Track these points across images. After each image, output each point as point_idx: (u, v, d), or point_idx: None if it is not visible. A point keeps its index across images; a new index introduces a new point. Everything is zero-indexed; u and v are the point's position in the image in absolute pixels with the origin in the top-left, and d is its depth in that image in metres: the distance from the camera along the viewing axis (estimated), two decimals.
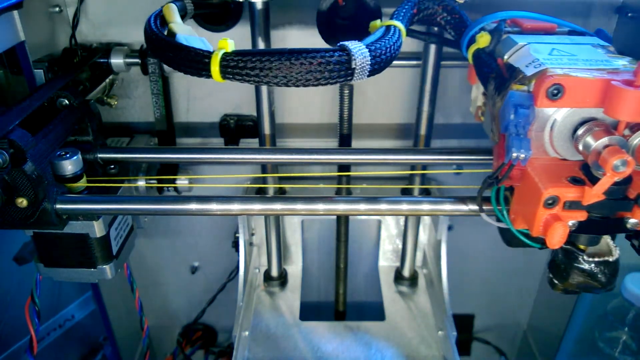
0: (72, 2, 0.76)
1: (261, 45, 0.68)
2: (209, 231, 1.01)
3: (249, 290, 0.90)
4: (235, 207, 0.54)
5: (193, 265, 1.07)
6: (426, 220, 0.94)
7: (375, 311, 0.93)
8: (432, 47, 0.70)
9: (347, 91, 0.76)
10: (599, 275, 0.51)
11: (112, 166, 0.66)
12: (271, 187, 0.84)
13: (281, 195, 0.88)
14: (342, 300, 0.98)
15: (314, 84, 0.43)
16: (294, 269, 0.99)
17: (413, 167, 0.85)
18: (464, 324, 1.15)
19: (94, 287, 0.95)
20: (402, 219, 0.95)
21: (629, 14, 0.76)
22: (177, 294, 1.11)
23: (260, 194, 0.88)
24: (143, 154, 0.66)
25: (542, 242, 0.48)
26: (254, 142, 0.88)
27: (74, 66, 0.72)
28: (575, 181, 0.44)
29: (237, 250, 0.88)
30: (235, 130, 0.86)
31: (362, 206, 0.54)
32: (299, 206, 0.54)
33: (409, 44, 0.82)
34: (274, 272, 0.94)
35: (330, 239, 0.94)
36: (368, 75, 0.44)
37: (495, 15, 0.54)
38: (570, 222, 0.45)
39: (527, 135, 0.44)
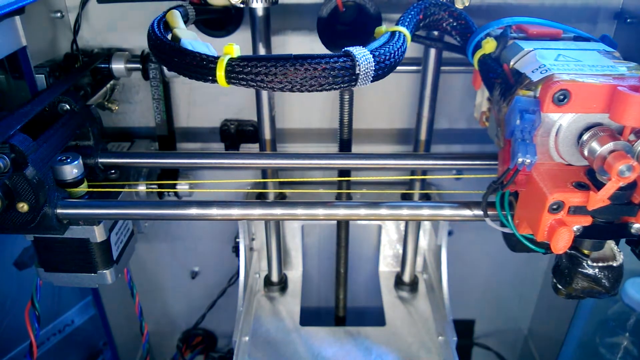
0: (73, 7, 0.77)
1: (262, 50, 0.69)
2: (209, 236, 1.01)
3: (249, 295, 0.90)
4: (235, 212, 0.54)
5: (193, 270, 1.07)
6: (426, 226, 0.94)
7: (375, 316, 0.93)
8: (432, 53, 0.70)
9: (347, 96, 0.76)
10: (603, 280, 0.51)
11: (113, 171, 0.66)
12: (271, 192, 0.84)
13: (281, 200, 0.88)
14: (342, 305, 0.98)
15: (318, 90, 0.43)
16: (294, 274, 0.99)
17: (413, 172, 0.85)
18: (464, 329, 1.15)
19: (94, 292, 0.94)
20: (402, 224, 0.95)
21: (628, 20, 0.76)
22: (177, 299, 1.11)
23: (260, 199, 0.88)
24: (144, 159, 0.66)
25: (546, 247, 0.48)
26: (254, 147, 0.88)
27: (75, 71, 0.72)
28: (581, 186, 0.44)
29: (238, 255, 0.88)
30: (236, 135, 0.87)
31: (363, 211, 0.54)
32: (299, 211, 0.54)
33: (409, 50, 0.82)
34: (274, 277, 0.94)
35: (331, 244, 0.94)
36: (372, 81, 0.45)
37: (500, 21, 0.54)
38: (575, 227, 0.45)
39: (532, 140, 0.44)
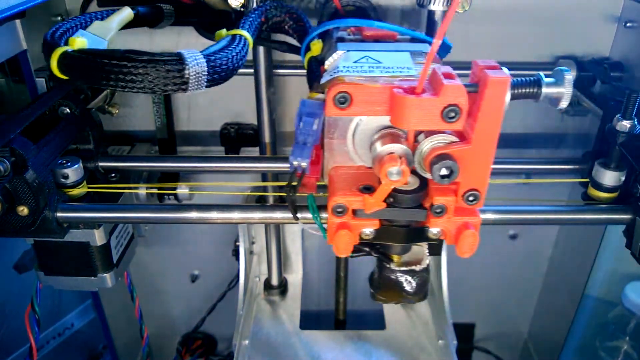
0: (74, 11, 0.77)
1: (262, 54, 0.69)
2: (209, 239, 1.01)
3: (249, 298, 0.90)
4: (235, 215, 0.54)
5: (193, 274, 1.07)
6: None
7: (375, 320, 0.93)
8: None
9: None
10: (404, 285, 0.51)
11: (113, 174, 0.66)
12: (271, 195, 0.84)
13: (281, 203, 0.88)
14: (342, 308, 0.98)
15: (146, 92, 0.41)
16: (294, 278, 0.99)
17: None
18: (464, 333, 1.15)
19: (94, 295, 0.94)
20: None
21: (628, 24, 0.76)
22: (177, 303, 1.10)
23: (260, 203, 0.88)
24: (144, 163, 0.66)
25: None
26: (254, 151, 0.88)
27: None
28: (366, 189, 0.43)
29: (238, 258, 0.88)
30: (236, 138, 0.87)
31: None
32: (300, 214, 0.54)
33: None
34: (274, 281, 0.94)
35: (331, 248, 0.94)
36: (207, 86, 0.42)
37: (333, 22, 0.53)
38: (368, 230, 0.45)
39: (314, 143, 0.42)
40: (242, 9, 0.66)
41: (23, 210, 0.50)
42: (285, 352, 0.82)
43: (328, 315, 1.02)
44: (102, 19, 0.53)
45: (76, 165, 0.56)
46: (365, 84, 0.40)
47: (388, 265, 0.50)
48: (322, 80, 0.43)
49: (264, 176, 0.85)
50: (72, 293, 0.94)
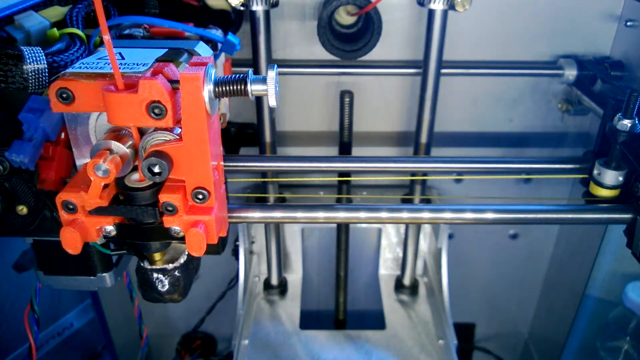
0: None
1: (262, 53, 0.69)
2: None
3: (248, 298, 0.90)
4: (235, 214, 0.54)
5: None
6: (427, 229, 0.94)
7: (375, 320, 0.93)
8: (433, 55, 0.70)
9: (348, 99, 0.76)
10: (157, 284, 0.50)
11: None
12: (271, 195, 0.84)
13: (281, 203, 0.88)
14: (342, 308, 0.98)
15: None
16: (294, 277, 0.99)
17: (413, 175, 0.85)
18: (464, 333, 1.15)
19: (93, 295, 0.94)
20: (402, 227, 0.95)
21: (628, 23, 0.76)
22: (177, 303, 1.10)
23: (260, 202, 0.87)
24: None
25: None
26: (254, 150, 0.88)
27: None
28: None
29: (237, 258, 0.88)
30: (236, 137, 0.87)
31: (363, 214, 0.54)
32: (299, 214, 0.54)
33: (408, 53, 0.82)
34: (274, 281, 0.94)
35: (331, 247, 0.94)
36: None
37: (117, 19, 0.53)
38: (109, 228, 0.45)
39: (50, 139, 0.43)
40: (242, 8, 0.66)
41: (22, 209, 0.50)
42: (285, 352, 0.82)
43: (328, 315, 1.02)
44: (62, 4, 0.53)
45: None
46: (84, 80, 0.40)
47: (142, 264, 0.50)
48: (58, 77, 0.42)
49: (264, 175, 0.85)
50: (72, 293, 0.94)
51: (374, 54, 0.75)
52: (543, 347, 1.10)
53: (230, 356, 0.82)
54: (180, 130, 0.41)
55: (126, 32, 0.53)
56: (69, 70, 0.41)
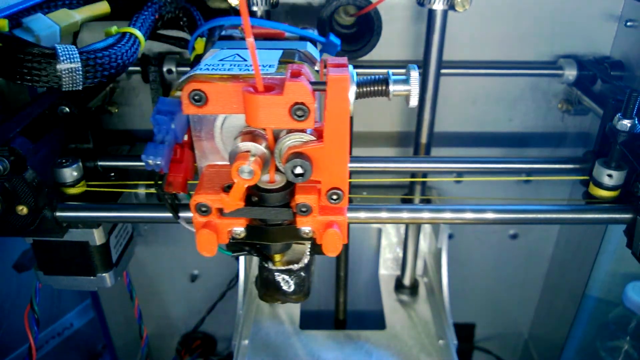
0: None
1: None
2: None
3: (248, 298, 0.90)
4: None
5: (193, 274, 1.07)
6: (427, 229, 0.94)
7: (375, 320, 0.93)
8: (433, 55, 0.70)
9: None
10: (282, 284, 0.50)
11: (113, 174, 0.65)
12: None
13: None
14: (342, 308, 0.97)
15: (17, 81, 0.40)
16: None
17: (413, 175, 0.85)
18: (465, 333, 1.15)
19: (93, 295, 0.94)
20: (402, 227, 0.95)
21: (628, 23, 0.76)
22: (177, 302, 1.10)
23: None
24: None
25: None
26: None
27: None
28: (229, 188, 0.42)
29: (237, 258, 0.88)
30: None
31: (363, 214, 0.54)
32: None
33: (408, 53, 0.82)
34: None
35: None
36: (87, 83, 0.41)
37: (218, 20, 0.52)
38: (239, 230, 0.45)
39: (178, 141, 0.42)
40: None
41: (22, 209, 0.50)
42: (285, 352, 0.82)
43: (328, 315, 1.02)
44: (70, 7, 0.53)
45: (75, 165, 0.56)
46: (218, 82, 0.40)
47: (266, 265, 0.50)
48: (182, 79, 0.42)
49: None
50: (72, 293, 0.94)
51: (374, 54, 0.75)
52: (543, 347, 1.10)
53: (230, 356, 0.82)
54: (310, 131, 0.41)
55: (223, 33, 0.53)
56: (197, 72, 0.41)
